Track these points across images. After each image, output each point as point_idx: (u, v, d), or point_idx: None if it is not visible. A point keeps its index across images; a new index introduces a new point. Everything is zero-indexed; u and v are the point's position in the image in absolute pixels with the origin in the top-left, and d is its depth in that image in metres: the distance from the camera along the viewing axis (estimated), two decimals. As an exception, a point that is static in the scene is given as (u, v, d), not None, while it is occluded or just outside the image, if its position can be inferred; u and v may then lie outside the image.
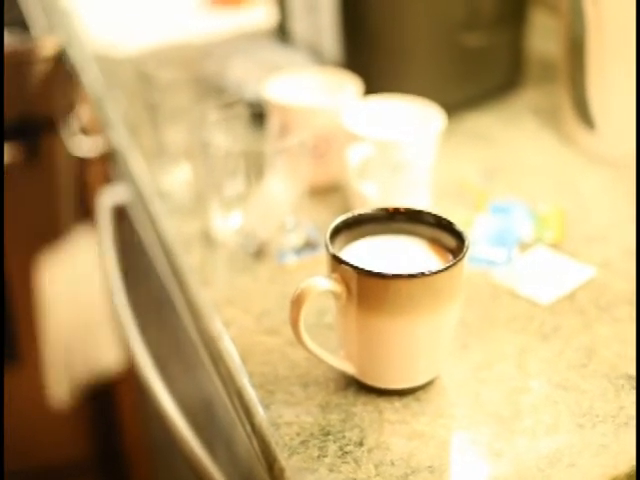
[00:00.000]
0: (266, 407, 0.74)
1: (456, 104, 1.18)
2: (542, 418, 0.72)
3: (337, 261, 0.71)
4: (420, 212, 0.76)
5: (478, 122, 1.20)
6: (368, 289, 0.70)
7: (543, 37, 1.38)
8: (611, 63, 1.07)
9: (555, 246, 0.94)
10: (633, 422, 0.72)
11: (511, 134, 1.17)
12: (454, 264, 0.70)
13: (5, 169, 1.59)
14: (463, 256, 0.71)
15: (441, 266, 0.70)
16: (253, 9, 1.58)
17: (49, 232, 1.68)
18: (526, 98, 1.27)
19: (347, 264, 0.70)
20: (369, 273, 0.69)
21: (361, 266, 0.69)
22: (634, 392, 0.75)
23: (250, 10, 1.59)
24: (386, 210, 0.77)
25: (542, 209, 0.99)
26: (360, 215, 0.76)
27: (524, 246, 0.94)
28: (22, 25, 1.62)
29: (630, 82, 1.06)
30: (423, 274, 0.69)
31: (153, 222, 1.03)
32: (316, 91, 1.07)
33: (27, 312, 1.72)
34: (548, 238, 0.95)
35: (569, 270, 0.90)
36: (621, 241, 0.95)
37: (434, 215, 0.76)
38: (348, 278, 0.70)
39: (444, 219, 0.75)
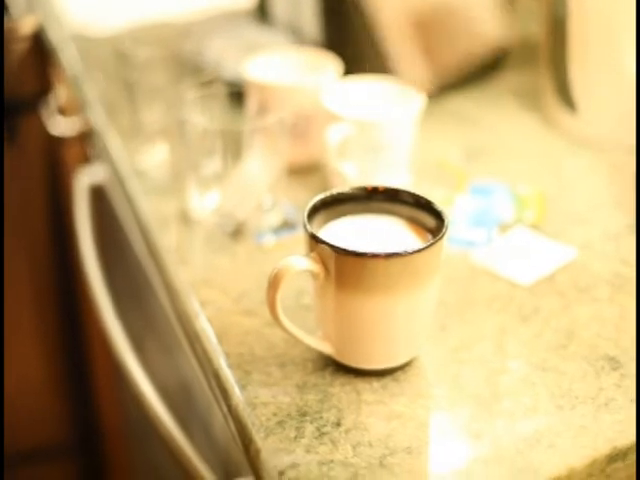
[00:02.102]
0: (242, 387, 0.73)
1: (437, 84, 1.17)
2: (521, 399, 0.72)
3: (315, 240, 0.70)
4: (399, 191, 0.76)
5: (460, 103, 1.19)
6: (346, 268, 0.69)
7: (525, 18, 1.38)
8: (593, 45, 1.06)
9: (535, 227, 0.94)
10: (613, 403, 0.71)
11: (492, 116, 1.17)
12: (433, 243, 0.69)
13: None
14: (442, 235, 0.70)
15: (420, 245, 0.70)
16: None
17: (27, 212, 1.67)
18: (508, 80, 1.26)
19: (325, 243, 0.69)
20: (347, 252, 0.68)
21: (339, 245, 0.68)
22: (614, 373, 0.74)
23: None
24: (365, 189, 0.76)
25: (522, 190, 0.99)
26: (338, 194, 0.76)
27: (504, 227, 0.94)
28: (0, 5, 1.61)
29: (612, 64, 1.05)
30: (401, 253, 0.68)
31: (130, 201, 1.02)
32: (295, 70, 1.06)
33: (5, 295, 1.71)
34: (528, 219, 0.94)
35: (549, 251, 0.89)
36: (602, 223, 0.94)
37: (413, 194, 0.75)
38: (326, 257, 0.69)
39: (423, 198, 0.74)
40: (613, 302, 0.83)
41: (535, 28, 1.26)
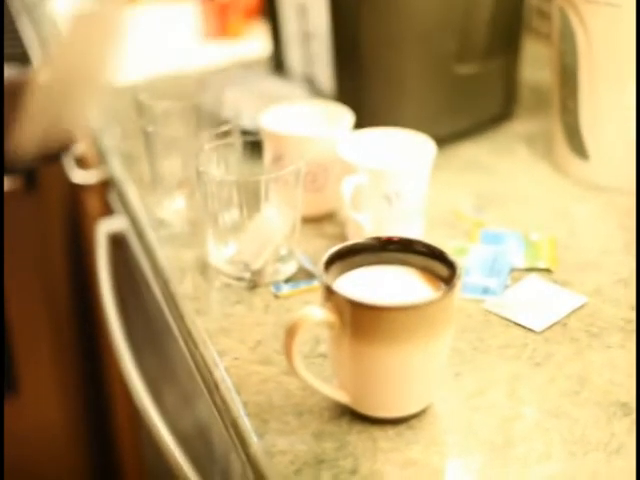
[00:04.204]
0: (260, 436, 0.74)
1: (450, 134, 1.19)
2: (534, 446, 0.73)
3: (331, 292, 0.71)
4: (412, 241, 0.77)
5: (471, 151, 1.21)
6: (361, 319, 0.70)
7: (535, 66, 1.39)
8: (603, 92, 1.08)
9: (547, 273, 0.95)
10: (625, 449, 0.72)
11: (504, 163, 1.18)
12: (446, 293, 0.71)
13: (4, 196, 1.59)
14: (455, 285, 0.72)
15: (433, 296, 0.71)
16: (248, 40, 1.60)
17: (46, 260, 1.68)
18: (519, 127, 1.28)
19: (340, 295, 0.71)
20: (362, 304, 0.69)
21: (354, 297, 0.70)
22: (626, 419, 0.75)
23: (245, 41, 1.60)
24: (379, 240, 0.78)
25: (534, 237, 1.00)
26: (353, 245, 0.77)
27: (517, 274, 0.95)
28: (22, 57, 1.63)
29: (622, 111, 1.07)
30: (415, 304, 0.69)
31: (149, 251, 1.04)
32: (311, 122, 1.08)
33: (25, 339, 1.72)
34: (540, 266, 0.96)
35: (561, 298, 0.91)
36: (613, 269, 0.95)
37: (426, 244, 0.76)
38: (341, 308, 0.71)
39: (436, 248, 0.76)
40: (624, 348, 0.84)
41: (545, 75, 1.27)
